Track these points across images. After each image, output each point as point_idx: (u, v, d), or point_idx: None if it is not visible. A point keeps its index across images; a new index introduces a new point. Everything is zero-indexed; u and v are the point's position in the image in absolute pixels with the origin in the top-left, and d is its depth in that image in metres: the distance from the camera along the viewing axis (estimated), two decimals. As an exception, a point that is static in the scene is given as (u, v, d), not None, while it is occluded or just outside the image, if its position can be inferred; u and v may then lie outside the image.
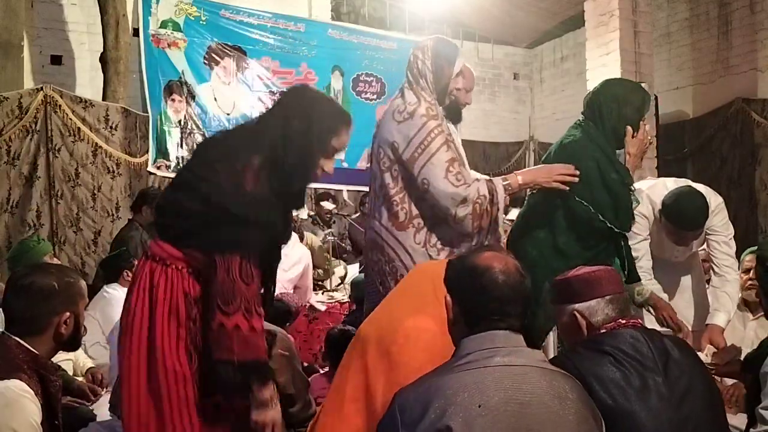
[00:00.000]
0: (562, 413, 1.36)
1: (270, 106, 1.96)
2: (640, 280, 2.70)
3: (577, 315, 1.73)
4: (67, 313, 1.80)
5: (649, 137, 2.64)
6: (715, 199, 2.90)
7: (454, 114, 2.54)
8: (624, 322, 1.70)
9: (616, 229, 2.50)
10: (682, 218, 2.77)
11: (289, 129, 1.84)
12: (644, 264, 2.83)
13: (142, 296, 1.79)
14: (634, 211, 2.72)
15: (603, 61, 5.84)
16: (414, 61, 2.49)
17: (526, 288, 1.53)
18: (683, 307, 3.05)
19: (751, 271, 3.08)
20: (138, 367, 1.76)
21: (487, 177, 2.48)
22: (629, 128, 2.51)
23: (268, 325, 2.07)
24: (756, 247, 3.20)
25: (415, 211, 2.39)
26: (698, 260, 3.29)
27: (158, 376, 1.74)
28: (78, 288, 1.87)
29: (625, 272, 2.60)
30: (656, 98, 6.15)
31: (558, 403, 1.37)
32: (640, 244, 2.86)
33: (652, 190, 2.94)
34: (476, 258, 1.55)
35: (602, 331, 1.69)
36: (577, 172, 2.40)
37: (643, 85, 5.57)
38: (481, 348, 1.44)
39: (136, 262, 3.79)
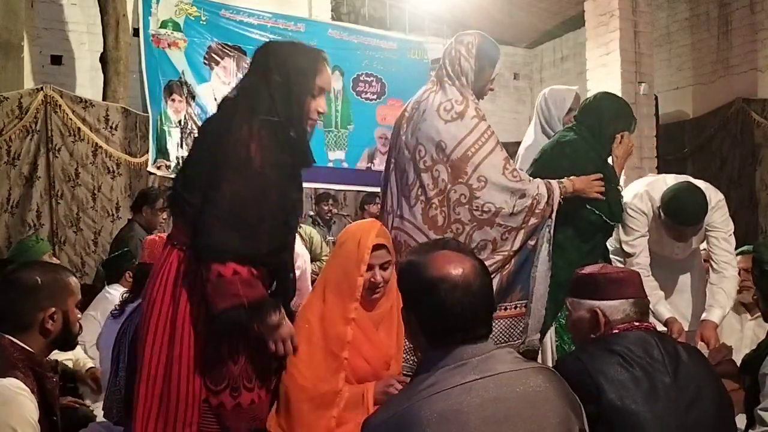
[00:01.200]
0: (542, 420, 1.30)
1: (246, 72, 1.95)
2: None
3: (599, 312, 1.72)
4: (53, 309, 1.79)
5: (632, 144, 2.79)
6: (715, 196, 2.91)
7: None
8: (638, 324, 1.71)
9: (610, 222, 2.60)
10: (680, 214, 2.79)
11: (273, 83, 1.84)
12: (642, 261, 2.85)
13: (165, 280, 1.81)
14: (632, 208, 2.86)
15: (603, 61, 5.84)
16: (456, 56, 2.44)
17: (490, 291, 1.40)
18: (683, 306, 3.05)
19: (741, 272, 3.07)
20: (160, 349, 1.78)
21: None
22: (618, 136, 2.69)
23: None
24: (745, 248, 3.19)
25: (453, 216, 2.34)
26: (699, 259, 3.28)
27: (175, 359, 1.76)
28: (65, 284, 1.86)
29: None
30: (656, 98, 6.16)
31: (537, 410, 1.30)
32: (637, 240, 2.88)
33: (652, 186, 2.96)
34: (430, 266, 1.37)
35: (615, 331, 1.69)
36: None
37: (643, 85, 5.66)
38: (449, 363, 1.32)
39: (137, 263, 3.83)
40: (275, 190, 1.79)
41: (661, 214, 2.84)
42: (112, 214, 5.44)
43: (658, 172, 5.58)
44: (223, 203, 1.73)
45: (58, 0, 6.06)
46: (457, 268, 1.35)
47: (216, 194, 1.74)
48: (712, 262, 2.95)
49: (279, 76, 1.85)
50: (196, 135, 1.98)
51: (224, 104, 1.93)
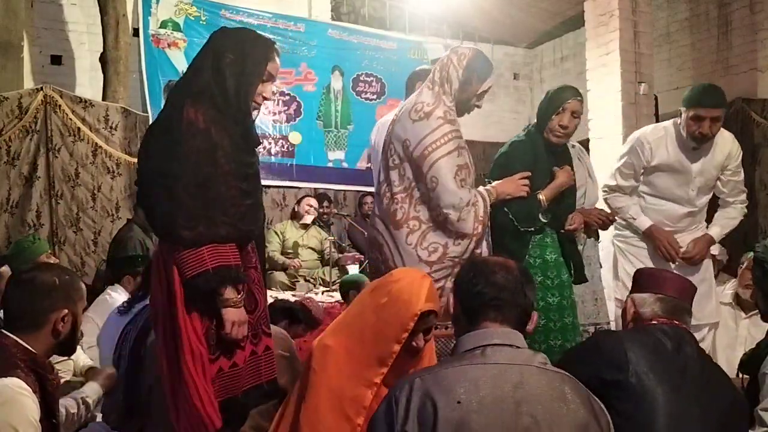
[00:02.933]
0: (560, 415, 1.35)
1: (200, 53, 1.99)
2: (587, 281, 2.88)
3: (630, 301, 1.95)
4: (66, 310, 1.82)
5: (565, 121, 2.78)
6: (735, 141, 3.27)
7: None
8: (677, 322, 1.87)
9: (515, 223, 2.62)
10: (703, 94, 3.05)
11: (226, 59, 1.90)
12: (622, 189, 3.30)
13: (158, 274, 1.90)
14: (633, 142, 3.24)
15: (603, 61, 5.83)
16: (447, 63, 2.51)
17: (524, 286, 1.54)
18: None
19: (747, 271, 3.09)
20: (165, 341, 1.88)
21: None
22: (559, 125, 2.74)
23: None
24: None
25: (413, 213, 2.41)
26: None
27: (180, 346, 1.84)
28: (78, 288, 1.89)
29: (571, 272, 2.75)
30: (656, 98, 6.16)
31: (556, 406, 1.36)
32: (624, 171, 3.29)
33: (660, 123, 3.33)
34: (480, 257, 1.62)
35: (653, 322, 1.86)
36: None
37: (643, 85, 5.65)
38: (478, 344, 1.45)
39: (140, 270, 3.82)
40: (221, 151, 1.84)
41: (682, 112, 3.10)
42: (112, 214, 5.44)
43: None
44: (185, 175, 1.79)
45: (58, 0, 6.06)
46: (501, 259, 1.59)
47: (174, 165, 1.80)
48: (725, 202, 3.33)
49: (233, 54, 1.91)
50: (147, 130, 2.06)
51: (181, 82, 1.99)
